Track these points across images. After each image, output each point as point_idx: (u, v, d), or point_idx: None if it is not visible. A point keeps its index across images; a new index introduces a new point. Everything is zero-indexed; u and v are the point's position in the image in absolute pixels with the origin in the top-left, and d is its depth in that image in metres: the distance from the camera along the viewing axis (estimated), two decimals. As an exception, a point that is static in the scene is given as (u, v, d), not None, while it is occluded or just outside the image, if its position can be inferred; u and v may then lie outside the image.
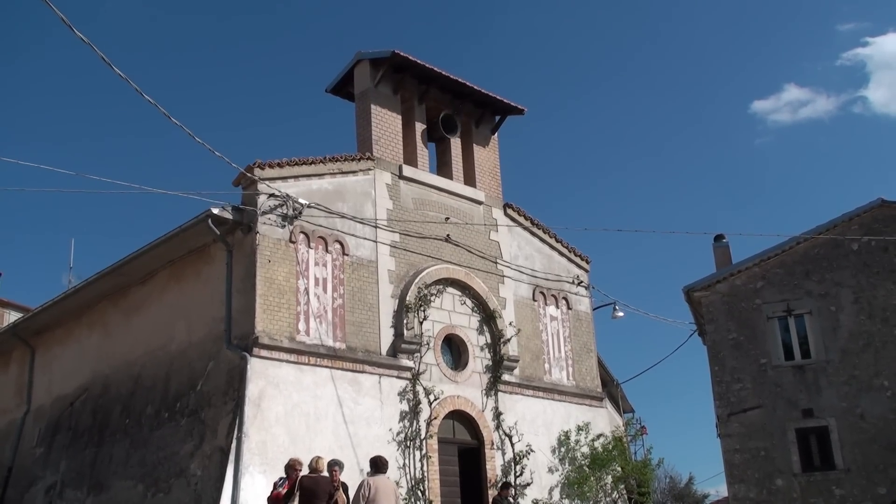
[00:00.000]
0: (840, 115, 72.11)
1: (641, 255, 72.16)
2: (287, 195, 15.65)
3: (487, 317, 18.64)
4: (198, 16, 65.03)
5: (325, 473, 11.82)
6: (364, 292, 16.66)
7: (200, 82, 65.94)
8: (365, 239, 16.98)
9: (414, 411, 16.57)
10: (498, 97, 20.09)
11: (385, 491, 11.27)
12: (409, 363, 16.83)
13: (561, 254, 21.07)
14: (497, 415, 18.06)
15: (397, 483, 14.72)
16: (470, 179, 19.76)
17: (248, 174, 15.46)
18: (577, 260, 21.41)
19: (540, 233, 20.69)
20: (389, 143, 18.24)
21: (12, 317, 26.03)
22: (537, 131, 67.66)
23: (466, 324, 18.34)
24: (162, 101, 12.06)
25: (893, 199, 21.03)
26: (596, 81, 72.71)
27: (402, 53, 18.08)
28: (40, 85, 61.00)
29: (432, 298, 17.67)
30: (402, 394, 16.55)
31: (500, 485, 16.61)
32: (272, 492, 12.10)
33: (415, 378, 16.79)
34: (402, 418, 16.38)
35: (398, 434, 16.20)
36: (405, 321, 16.88)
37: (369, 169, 17.57)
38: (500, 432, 17.99)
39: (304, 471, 11.88)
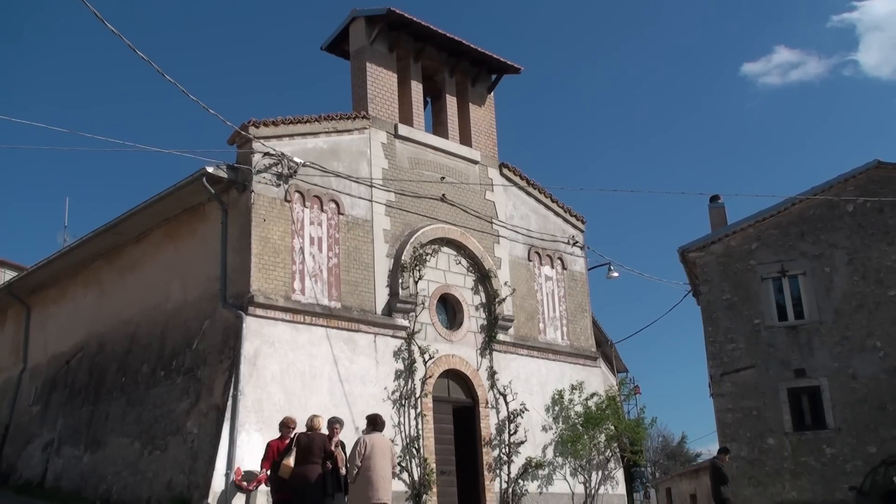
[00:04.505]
0: (831, 79, 71.82)
1: (636, 215, 72.31)
2: (282, 154, 15.57)
3: (482, 276, 18.66)
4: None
5: (323, 431, 11.95)
6: (359, 252, 16.65)
7: (195, 41, 65.31)
8: (360, 198, 16.92)
9: (409, 370, 16.65)
10: (494, 55, 19.89)
11: (381, 448, 11.37)
12: (405, 322, 16.88)
13: (556, 214, 21.03)
14: (492, 374, 18.16)
15: (392, 441, 14.82)
16: (466, 139, 19.64)
17: (243, 132, 15.35)
18: (573, 220, 21.38)
19: (535, 193, 20.63)
20: (385, 101, 18.10)
21: (7, 275, 26.03)
22: (533, 92, 67.30)
23: (461, 283, 18.36)
24: (156, 60, 11.97)
25: (889, 160, 21.02)
26: (590, 43, 72.20)
27: (397, 11, 17.86)
28: (34, 43, 60.39)
29: (427, 258, 17.66)
30: (397, 353, 16.62)
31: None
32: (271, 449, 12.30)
33: (410, 337, 16.84)
34: (397, 377, 16.47)
35: (393, 392, 16.29)
36: (400, 281, 16.89)
37: (364, 128, 17.46)
38: (495, 391, 18.10)
39: (301, 429, 12.02)
